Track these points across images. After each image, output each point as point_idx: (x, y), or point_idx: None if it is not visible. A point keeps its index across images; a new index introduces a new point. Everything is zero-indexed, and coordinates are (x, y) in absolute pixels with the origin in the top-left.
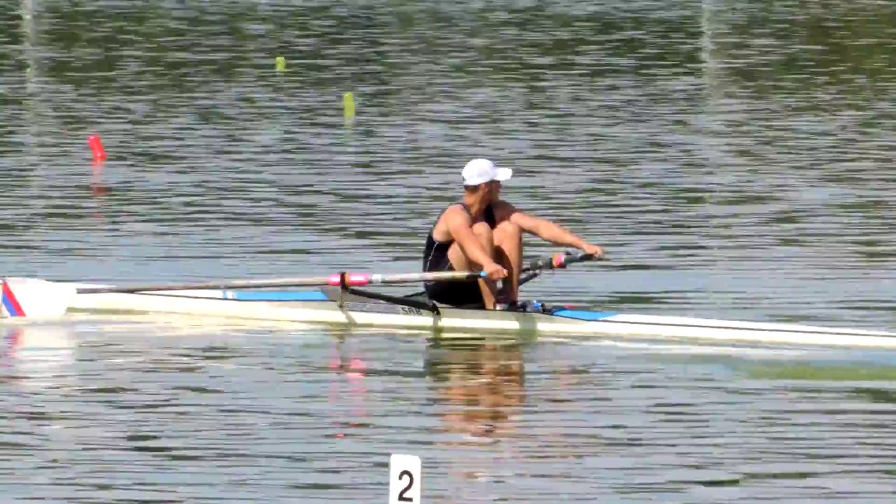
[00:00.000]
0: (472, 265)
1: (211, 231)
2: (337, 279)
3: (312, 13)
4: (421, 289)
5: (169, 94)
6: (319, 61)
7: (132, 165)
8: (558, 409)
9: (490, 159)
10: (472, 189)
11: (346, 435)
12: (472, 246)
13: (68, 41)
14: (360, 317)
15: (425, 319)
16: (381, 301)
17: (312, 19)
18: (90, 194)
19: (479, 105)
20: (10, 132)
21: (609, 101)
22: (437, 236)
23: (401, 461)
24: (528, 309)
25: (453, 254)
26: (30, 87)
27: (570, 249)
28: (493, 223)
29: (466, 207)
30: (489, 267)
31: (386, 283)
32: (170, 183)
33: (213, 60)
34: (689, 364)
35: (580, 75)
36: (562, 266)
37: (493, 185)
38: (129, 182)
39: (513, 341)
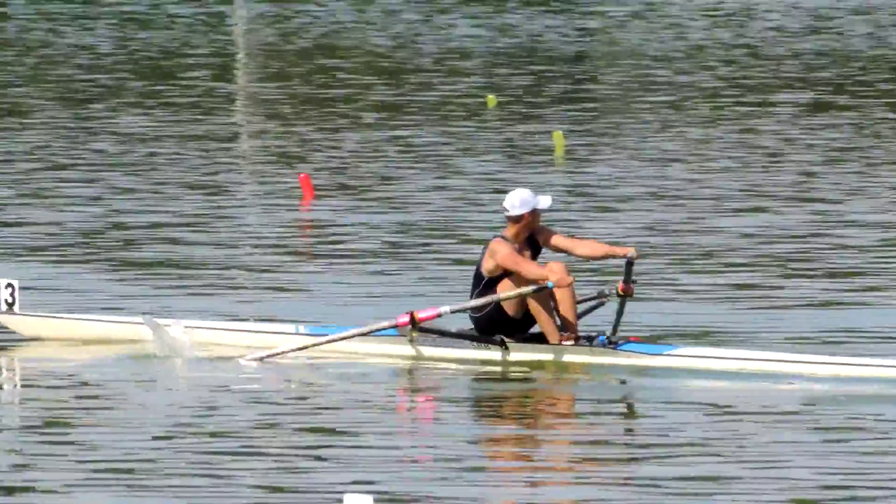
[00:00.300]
0: (536, 283)
1: (410, 270)
2: (406, 319)
3: (524, 51)
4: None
5: (377, 130)
6: (530, 99)
7: (340, 204)
8: (620, 448)
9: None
10: (515, 219)
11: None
12: (528, 266)
13: (279, 78)
14: (429, 351)
15: (493, 354)
16: (451, 337)
17: (525, 57)
18: (299, 233)
19: (687, 143)
20: (220, 171)
21: (819, 140)
22: (486, 273)
23: (353, 501)
24: (594, 343)
25: (503, 288)
26: (241, 125)
27: (619, 266)
28: (536, 249)
29: (507, 239)
30: (554, 276)
31: (455, 312)
32: (377, 222)
33: (423, 97)
34: (761, 401)
35: (791, 112)
36: (627, 292)
37: (535, 214)
38: (336, 221)
39: (581, 376)
